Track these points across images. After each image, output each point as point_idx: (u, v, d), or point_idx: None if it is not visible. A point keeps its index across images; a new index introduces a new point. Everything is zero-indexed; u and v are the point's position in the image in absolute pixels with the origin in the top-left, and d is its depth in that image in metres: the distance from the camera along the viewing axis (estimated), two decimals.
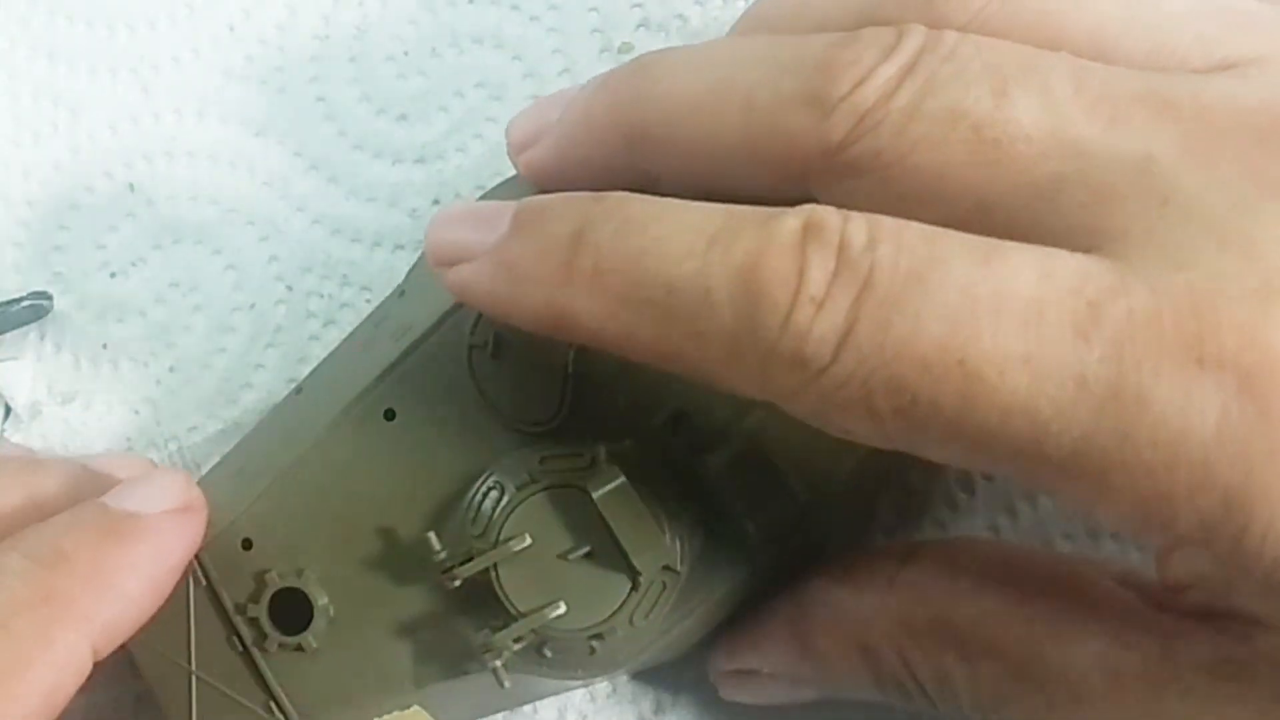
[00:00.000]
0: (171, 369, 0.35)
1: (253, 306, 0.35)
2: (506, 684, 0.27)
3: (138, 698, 0.33)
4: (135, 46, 0.37)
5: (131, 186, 0.36)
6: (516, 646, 0.27)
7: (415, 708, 0.29)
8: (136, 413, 0.35)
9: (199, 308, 0.35)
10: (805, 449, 0.28)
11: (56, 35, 0.37)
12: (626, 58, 0.35)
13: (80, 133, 0.36)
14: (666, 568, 0.27)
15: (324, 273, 0.35)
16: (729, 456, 0.27)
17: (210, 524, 0.29)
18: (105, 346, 0.35)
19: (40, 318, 0.35)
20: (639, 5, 0.35)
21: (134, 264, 0.36)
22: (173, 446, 0.34)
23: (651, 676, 0.33)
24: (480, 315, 0.28)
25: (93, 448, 0.35)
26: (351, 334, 0.32)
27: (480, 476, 0.28)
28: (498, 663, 0.27)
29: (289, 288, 0.35)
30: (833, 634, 0.28)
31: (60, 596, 0.25)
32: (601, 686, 0.33)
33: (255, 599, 0.29)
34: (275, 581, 0.29)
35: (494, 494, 0.27)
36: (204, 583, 0.29)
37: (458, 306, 0.28)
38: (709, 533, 0.28)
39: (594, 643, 0.27)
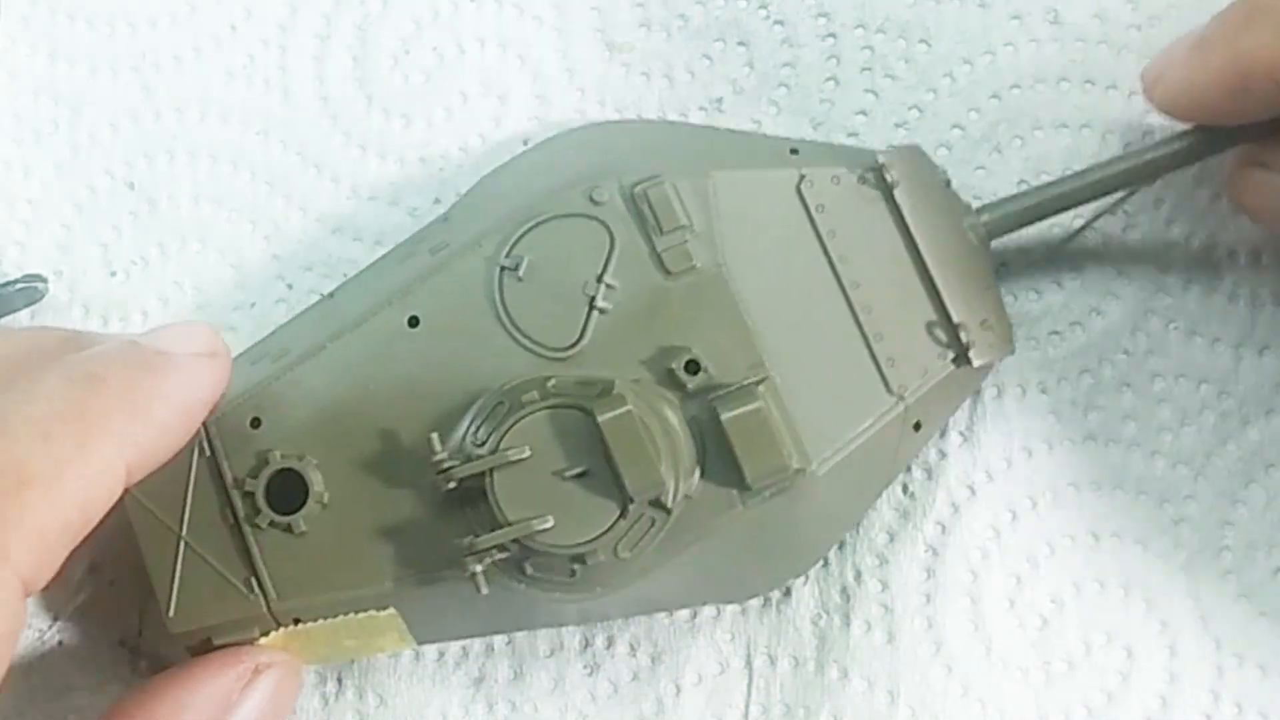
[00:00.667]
0: None
1: (254, 305, 0.35)
2: (484, 590, 0.28)
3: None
4: (136, 45, 0.37)
5: (133, 185, 0.36)
6: (499, 555, 0.28)
7: (390, 610, 0.30)
8: None
9: (201, 307, 0.35)
10: (805, 423, 0.29)
11: (57, 34, 0.37)
12: (628, 58, 0.35)
13: (81, 131, 0.36)
14: (657, 503, 0.28)
15: (325, 272, 0.35)
16: (736, 412, 0.28)
17: (222, 397, 0.30)
18: None
19: (35, 301, 0.35)
20: (640, 5, 0.36)
21: (136, 263, 0.36)
22: None
23: (653, 674, 0.33)
24: (516, 238, 0.29)
25: None
26: (390, 251, 0.33)
27: (491, 391, 0.29)
28: (478, 568, 0.28)
29: (290, 286, 0.35)
30: None
31: (96, 413, 0.26)
32: (603, 687, 0.33)
33: (254, 475, 0.29)
34: (276, 461, 0.29)
35: (501, 407, 0.28)
36: (208, 453, 0.30)
37: (496, 228, 0.30)
38: (706, 479, 0.29)
39: (575, 565, 0.28)
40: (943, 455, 0.33)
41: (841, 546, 0.33)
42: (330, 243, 0.35)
